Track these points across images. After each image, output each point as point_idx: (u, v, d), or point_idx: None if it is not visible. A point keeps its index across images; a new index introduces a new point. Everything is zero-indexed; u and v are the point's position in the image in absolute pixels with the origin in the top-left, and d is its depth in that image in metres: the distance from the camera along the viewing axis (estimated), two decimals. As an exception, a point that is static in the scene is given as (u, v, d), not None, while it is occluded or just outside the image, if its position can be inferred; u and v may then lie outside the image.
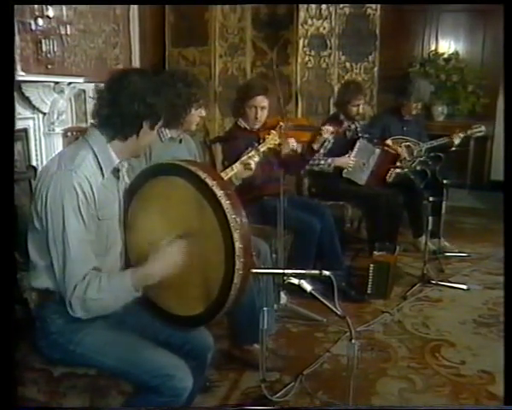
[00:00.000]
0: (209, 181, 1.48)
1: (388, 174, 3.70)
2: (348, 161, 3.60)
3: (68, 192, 1.46)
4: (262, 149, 2.60)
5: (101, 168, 1.56)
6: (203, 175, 1.49)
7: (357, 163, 3.63)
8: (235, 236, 1.43)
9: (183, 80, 2.31)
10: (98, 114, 1.59)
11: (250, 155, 2.58)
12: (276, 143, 2.65)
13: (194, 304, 1.57)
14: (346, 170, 3.62)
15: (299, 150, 3.01)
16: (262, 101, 2.97)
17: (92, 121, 1.64)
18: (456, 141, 3.87)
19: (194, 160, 2.40)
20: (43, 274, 1.54)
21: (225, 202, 1.44)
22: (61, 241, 1.46)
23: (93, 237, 1.53)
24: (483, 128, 4.03)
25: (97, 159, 1.56)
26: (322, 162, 3.54)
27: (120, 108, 1.55)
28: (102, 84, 1.62)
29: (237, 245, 1.43)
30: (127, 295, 1.52)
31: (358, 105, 3.61)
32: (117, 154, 1.61)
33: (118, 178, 1.64)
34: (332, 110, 4.65)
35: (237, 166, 2.57)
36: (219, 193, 1.45)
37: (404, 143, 3.84)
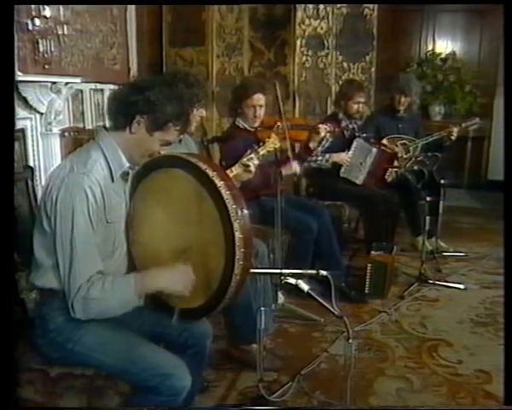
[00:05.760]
0: (209, 172, 1.49)
1: (387, 174, 3.70)
2: (345, 157, 3.60)
3: (79, 195, 1.47)
4: (262, 153, 2.60)
5: (111, 172, 1.57)
6: (204, 166, 1.50)
7: (354, 162, 3.63)
8: (236, 226, 1.44)
9: (184, 81, 2.30)
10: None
11: (249, 157, 2.58)
12: (277, 146, 2.65)
13: (194, 296, 1.57)
14: (343, 169, 3.62)
15: (299, 172, 3.06)
16: (259, 99, 2.95)
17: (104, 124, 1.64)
18: (452, 136, 3.83)
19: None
20: (49, 273, 1.54)
21: (225, 193, 1.45)
22: (69, 243, 1.47)
23: (100, 240, 1.54)
24: (477, 120, 3.98)
25: (108, 162, 1.57)
26: (320, 158, 3.54)
27: (119, 97, 1.58)
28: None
29: (237, 235, 1.44)
30: (129, 300, 1.52)
31: (359, 102, 3.60)
32: (125, 156, 1.60)
33: (126, 180, 1.65)
34: (330, 110, 4.66)
35: (237, 169, 2.57)
36: (219, 183, 1.47)
37: (399, 142, 3.82)
